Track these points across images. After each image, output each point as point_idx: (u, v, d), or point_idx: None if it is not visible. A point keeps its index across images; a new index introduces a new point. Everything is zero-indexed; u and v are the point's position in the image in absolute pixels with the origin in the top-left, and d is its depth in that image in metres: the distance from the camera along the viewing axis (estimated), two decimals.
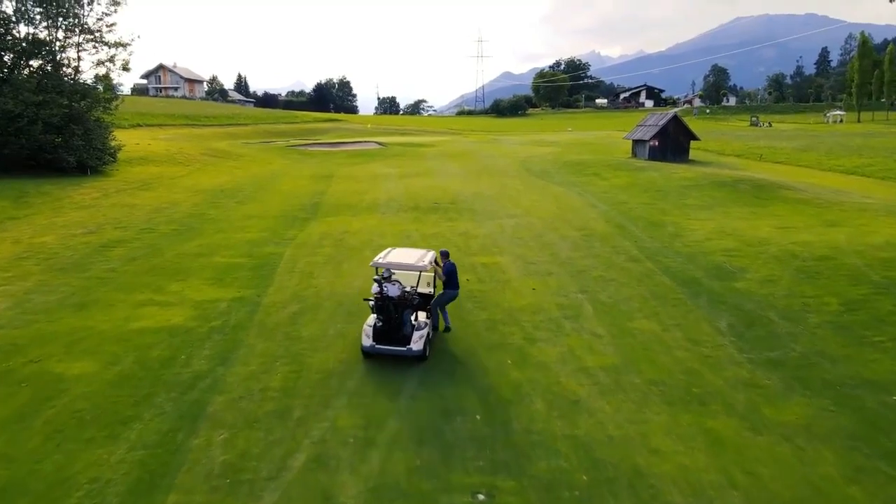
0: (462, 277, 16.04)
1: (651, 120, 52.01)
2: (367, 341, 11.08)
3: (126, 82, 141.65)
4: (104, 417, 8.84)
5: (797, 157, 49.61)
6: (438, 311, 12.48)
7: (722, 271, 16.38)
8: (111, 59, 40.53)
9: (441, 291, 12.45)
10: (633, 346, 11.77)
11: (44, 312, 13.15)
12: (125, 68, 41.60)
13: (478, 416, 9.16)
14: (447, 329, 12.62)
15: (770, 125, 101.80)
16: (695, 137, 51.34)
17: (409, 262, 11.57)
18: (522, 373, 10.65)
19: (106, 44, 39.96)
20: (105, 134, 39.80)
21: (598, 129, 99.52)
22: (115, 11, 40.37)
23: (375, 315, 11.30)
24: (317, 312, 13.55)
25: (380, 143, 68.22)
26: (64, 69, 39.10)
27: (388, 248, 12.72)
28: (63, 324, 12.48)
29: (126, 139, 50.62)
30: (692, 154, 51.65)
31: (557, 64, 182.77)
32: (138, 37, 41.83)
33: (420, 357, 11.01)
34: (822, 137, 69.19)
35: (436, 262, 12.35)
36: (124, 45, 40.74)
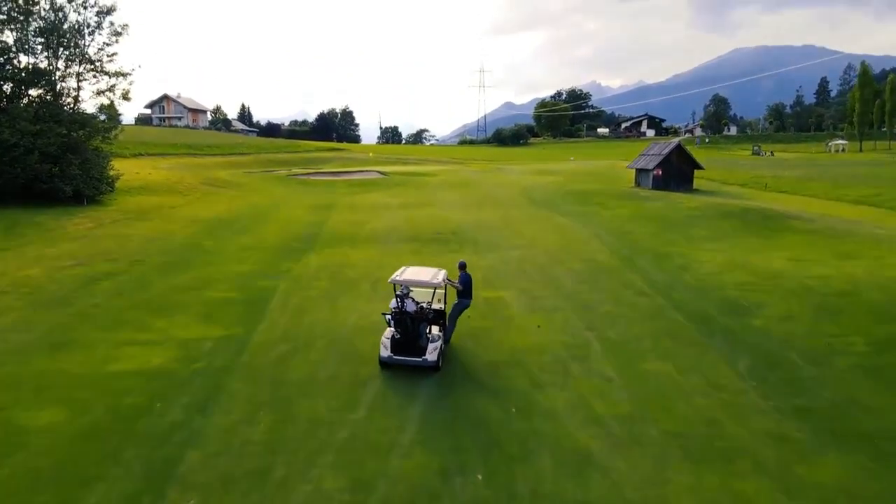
0: (464, 314, 15.28)
1: (654, 149, 51.65)
2: (385, 352, 11.72)
3: (131, 112, 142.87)
4: (64, 477, 7.95)
5: (803, 187, 49.01)
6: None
7: (737, 307, 15.54)
8: (111, 89, 40.37)
9: (455, 301, 13.23)
10: (648, 392, 10.89)
11: (17, 353, 12.32)
12: (125, 97, 41.46)
13: (479, 476, 8.25)
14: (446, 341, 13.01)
15: (772, 154, 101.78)
16: (698, 166, 50.96)
17: (425, 279, 12.45)
18: (528, 423, 9.76)
19: (106, 73, 39.87)
20: (103, 163, 39.40)
21: (600, 159, 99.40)
22: (117, 41, 40.35)
23: (393, 328, 11.98)
24: (308, 353, 12.71)
25: (381, 173, 67.92)
26: (63, 98, 38.95)
27: (403, 267, 13.54)
28: (35, 366, 11.64)
29: (126, 168, 50.35)
30: (696, 183, 51.17)
31: (559, 94, 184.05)
32: (139, 66, 41.85)
33: (434, 367, 11.67)
34: (826, 167, 68.81)
35: (448, 279, 13.22)
36: (125, 75, 40.64)
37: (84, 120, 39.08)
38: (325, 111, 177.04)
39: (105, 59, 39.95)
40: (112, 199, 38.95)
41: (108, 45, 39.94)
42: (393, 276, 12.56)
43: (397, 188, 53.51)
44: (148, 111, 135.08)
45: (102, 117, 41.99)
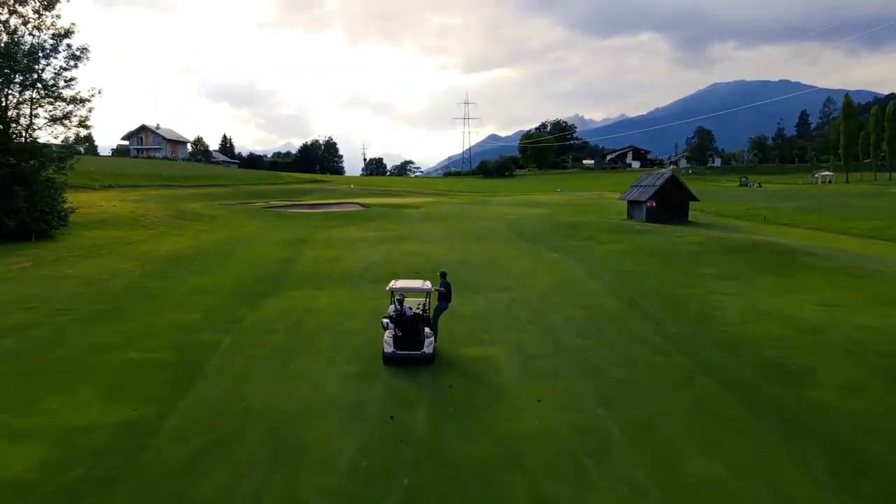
0: (444, 382, 12.27)
1: (647, 180, 49.42)
2: (389, 348, 13.48)
3: (108, 143, 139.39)
4: None
5: (803, 219, 46.87)
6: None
7: (783, 372, 12.56)
8: (67, 116, 37.42)
9: (437, 304, 15.15)
10: None
11: None
12: (83, 125, 38.53)
13: None
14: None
15: (760, 186, 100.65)
16: (694, 198, 48.75)
17: (416, 286, 15.25)
18: None
19: (63, 99, 37.06)
20: (55, 195, 36.26)
21: (587, 190, 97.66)
22: (76, 66, 37.65)
23: (394, 328, 13.70)
24: (234, 447, 9.50)
25: (362, 205, 65.05)
26: (14, 126, 35.91)
27: (393, 280, 16.05)
28: None
29: (91, 201, 47.28)
30: (690, 215, 48.85)
31: (544, 126, 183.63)
32: (98, 92, 38.93)
33: (431, 359, 13.53)
34: (818, 198, 67.19)
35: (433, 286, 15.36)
36: (83, 101, 37.84)
37: (35, 149, 36.07)
38: (309, 143, 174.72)
39: (62, 84, 37.20)
40: (65, 234, 35.71)
41: (65, 69, 37.28)
42: (390, 285, 15.16)
43: (377, 221, 50.61)
44: (126, 142, 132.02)
45: (58, 142, 38.78)
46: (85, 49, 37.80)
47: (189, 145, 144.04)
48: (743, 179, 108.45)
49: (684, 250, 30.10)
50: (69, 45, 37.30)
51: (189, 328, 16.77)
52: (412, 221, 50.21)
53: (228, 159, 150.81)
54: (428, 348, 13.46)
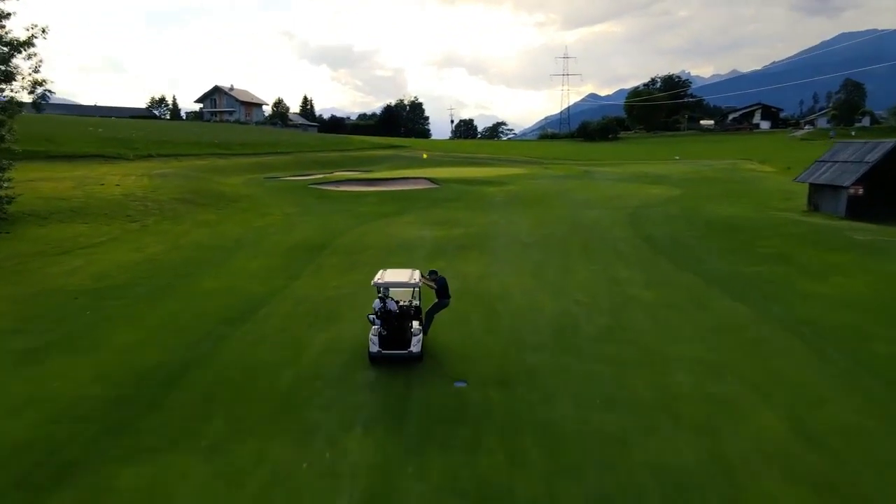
0: None
1: (848, 153, 32.38)
2: (374, 347, 12.44)
3: (182, 107, 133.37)
4: None
5: None
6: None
7: None
8: None
9: (435, 301, 13.86)
10: None
11: None
12: (11, 77, 27.41)
13: None
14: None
15: None
16: None
17: (403, 280, 13.44)
18: None
19: None
20: None
21: (713, 157, 78.84)
22: None
23: (379, 326, 12.65)
24: None
25: (433, 181, 51.46)
26: None
27: (381, 271, 13.98)
28: None
29: (96, 176, 37.82)
30: None
31: (653, 82, 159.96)
32: (42, 32, 27.57)
33: (419, 358, 12.52)
34: None
35: (423, 277, 14.00)
36: (18, 47, 26.78)
37: None
38: (393, 104, 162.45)
39: None
40: None
41: None
42: (375, 280, 13.31)
43: (443, 208, 37.09)
44: (199, 105, 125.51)
45: None
46: None
47: (267, 108, 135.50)
48: None
49: None
50: None
51: None
52: (491, 209, 36.29)
53: (308, 122, 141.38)
54: (415, 346, 12.51)
